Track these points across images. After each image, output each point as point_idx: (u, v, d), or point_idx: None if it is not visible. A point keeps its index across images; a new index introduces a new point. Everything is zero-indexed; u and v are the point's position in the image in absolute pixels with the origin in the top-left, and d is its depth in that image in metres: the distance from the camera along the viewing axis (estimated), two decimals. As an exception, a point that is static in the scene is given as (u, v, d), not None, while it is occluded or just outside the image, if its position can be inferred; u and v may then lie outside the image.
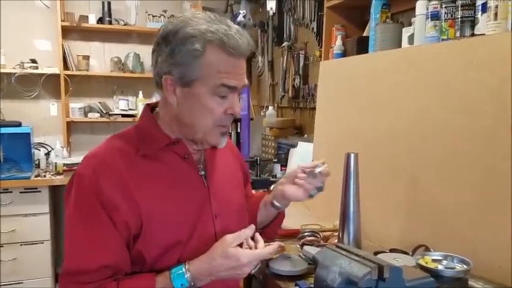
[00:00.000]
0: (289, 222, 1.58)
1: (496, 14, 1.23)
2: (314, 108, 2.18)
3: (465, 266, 1.03)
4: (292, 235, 1.61)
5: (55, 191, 3.23)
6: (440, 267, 1.02)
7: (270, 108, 3.36)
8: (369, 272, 0.76)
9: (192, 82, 0.95)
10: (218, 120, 0.99)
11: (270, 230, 1.29)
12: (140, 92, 3.66)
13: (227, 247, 0.95)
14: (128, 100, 3.67)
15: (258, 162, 2.24)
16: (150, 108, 1.09)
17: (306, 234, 1.60)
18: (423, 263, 1.02)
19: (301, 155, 2.50)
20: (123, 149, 0.99)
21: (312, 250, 1.22)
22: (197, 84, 0.95)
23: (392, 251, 1.40)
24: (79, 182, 0.95)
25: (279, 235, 1.65)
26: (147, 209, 0.96)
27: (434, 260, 1.05)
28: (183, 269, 0.95)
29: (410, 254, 1.32)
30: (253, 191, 1.39)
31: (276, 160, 2.85)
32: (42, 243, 2.96)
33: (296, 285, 1.06)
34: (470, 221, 1.26)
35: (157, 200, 0.97)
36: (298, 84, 3.04)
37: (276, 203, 1.20)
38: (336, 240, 1.44)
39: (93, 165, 0.95)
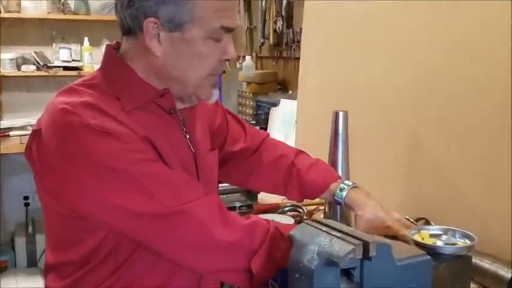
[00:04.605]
0: (268, 195, 1.59)
1: None
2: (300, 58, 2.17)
3: (468, 242, 1.05)
4: (271, 210, 1.63)
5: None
6: (438, 243, 1.03)
7: (247, 58, 3.33)
8: (351, 250, 0.77)
9: (183, 25, 0.95)
10: (212, 68, 1.01)
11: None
12: (86, 39, 3.57)
13: None
14: (70, 49, 3.60)
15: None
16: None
17: (287, 209, 1.62)
18: (419, 239, 1.04)
19: (285, 115, 2.50)
20: (104, 100, 0.97)
21: None
22: (190, 27, 0.95)
23: (387, 226, 1.43)
24: (90, 137, 0.90)
25: (256, 210, 1.67)
26: None
27: (432, 235, 1.06)
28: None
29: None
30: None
31: (254, 122, 2.85)
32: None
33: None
34: (479, 189, 1.29)
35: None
36: (280, 28, 3.00)
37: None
38: (322, 216, 1.47)
39: (93, 115, 0.92)
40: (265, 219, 1.00)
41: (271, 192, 1.41)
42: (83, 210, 0.95)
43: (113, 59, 1.04)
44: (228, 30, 0.99)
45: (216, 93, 1.07)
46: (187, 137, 1.10)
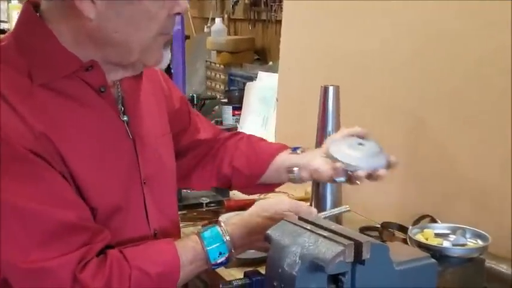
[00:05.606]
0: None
1: None
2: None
3: (481, 242, 1.08)
4: (245, 208, 1.64)
5: None
6: (445, 243, 1.06)
7: (217, 21, 3.31)
8: (341, 252, 0.78)
9: None
10: (161, 27, 1.00)
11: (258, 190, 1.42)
12: (15, -5, 3.53)
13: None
14: (-5, 8, 3.55)
15: (197, 102, 2.22)
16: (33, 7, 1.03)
17: (265, 205, 1.62)
18: (422, 239, 1.06)
19: (264, 91, 2.49)
20: (6, 73, 0.95)
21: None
22: None
23: (385, 225, 1.45)
24: None
25: (227, 208, 1.68)
26: (69, 165, 0.96)
27: (438, 235, 1.09)
28: (220, 231, 1.03)
29: (410, 227, 1.37)
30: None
31: (225, 100, 2.84)
32: None
33: (245, 275, 1.09)
34: (494, 181, 1.31)
35: (75, 153, 0.97)
36: (258, -16, 2.99)
37: (294, 174, 1.26)
38: (307, 213, 1.48)
39: None
40: (122, 258, 0.98)
41: (211, 181, 1.42)
42: None
43: (29, 19, 1.01)
44: None
45: (167, 55, 1.06)
46: (125, 119, 1.08)
